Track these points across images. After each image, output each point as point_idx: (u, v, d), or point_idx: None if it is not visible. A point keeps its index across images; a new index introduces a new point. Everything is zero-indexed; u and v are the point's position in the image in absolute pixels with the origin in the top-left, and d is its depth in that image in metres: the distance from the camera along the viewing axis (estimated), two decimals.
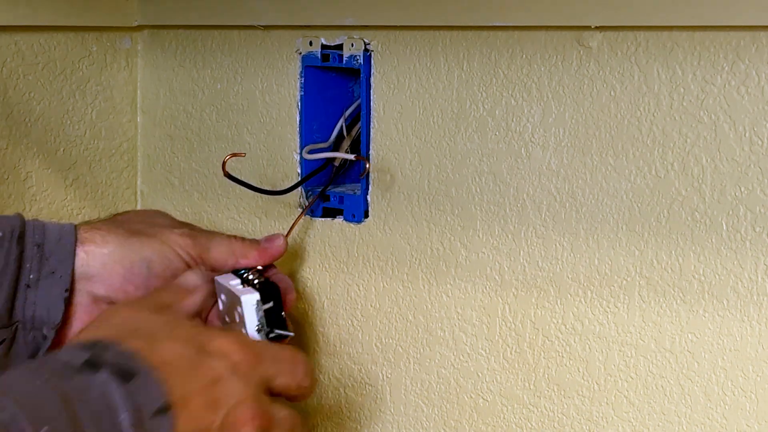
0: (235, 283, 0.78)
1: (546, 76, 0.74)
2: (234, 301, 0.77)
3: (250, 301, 0.76)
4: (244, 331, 0.77)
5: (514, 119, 0.76)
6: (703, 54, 0.67)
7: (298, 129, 0.89)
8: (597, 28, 0.71)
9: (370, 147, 0.85)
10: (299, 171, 0.90)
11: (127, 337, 0.64)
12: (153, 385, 0.61)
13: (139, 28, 0.99)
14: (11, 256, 0.71)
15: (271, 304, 0.77)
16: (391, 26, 0.82)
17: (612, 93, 0.71)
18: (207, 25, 0.94)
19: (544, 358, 0.77)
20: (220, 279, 0.77)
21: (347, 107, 0.88)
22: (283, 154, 0.91)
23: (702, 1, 0.64)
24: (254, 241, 0.81)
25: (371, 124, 0.85)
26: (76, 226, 0.76)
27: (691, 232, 0.69)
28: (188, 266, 0.78)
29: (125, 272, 0.75)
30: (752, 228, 0.66)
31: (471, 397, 0.82)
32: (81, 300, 0.75)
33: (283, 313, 0.78)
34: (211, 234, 0.81)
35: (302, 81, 0.88)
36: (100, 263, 0.74)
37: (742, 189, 0.66)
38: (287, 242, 0.81)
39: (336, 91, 0.89)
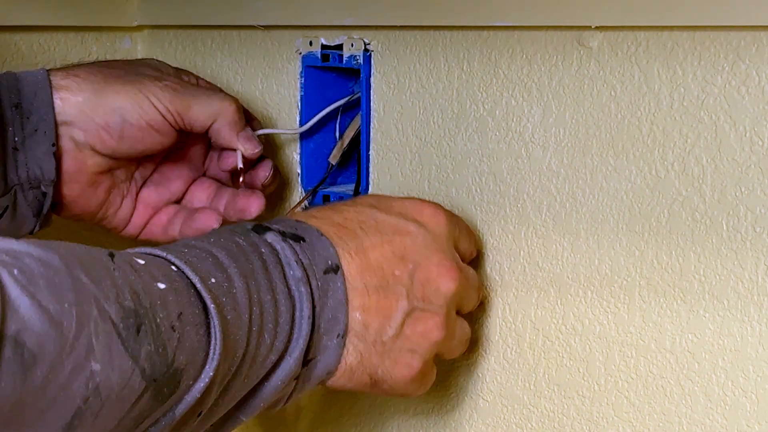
0: None
1: (546, 76, 0.74)
2: None
3: None
4: None
5: (515, 119, 0.76)
6: (704, 54, 0.67)
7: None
8: (597, 28, 0.71)
9: (370, 147, 0.85)
10: (299, 171, 0.90)
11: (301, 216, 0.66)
12: (323, 246, 0.63)
13: (139, 28, 0.99)
14: None
15: None
16: (391, 26, 0.82)
17: (612, 93, 0.71)
18: (207, 25, 0.94)
19: (544, 358, 0.77)
20: None
21: (340, 99, 0.88)
22: (283, 154, 0.91)
23: (702, 1, 0.64)
24: (238, 122, 0.79)
25: (371, 124, 0.85)
26: (49, 72, 0.75)
27: (692, 232, 0.69)
28: (165, 119, 0.76)
29: (99, 120, 0.74)
30: (752, 228, 0.66)
31: (471, 397, 0.82)
32: (65, 146, 0.75)
33: None
34: (197, 91, 0.78)
35: (302, 81, 0.88)
36: (76, 110, 0.74)
37: (743, 189, 0.66)
38: (261, 144, 0.81)
39: (336, 91, 0.89)
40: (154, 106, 0.75)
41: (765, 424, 0.67)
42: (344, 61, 0.85)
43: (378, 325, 0.65)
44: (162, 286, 0.53)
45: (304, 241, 0.63)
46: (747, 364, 0.68)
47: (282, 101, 0.90)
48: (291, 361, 0.61)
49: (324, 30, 0.85)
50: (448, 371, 0.83)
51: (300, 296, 0.61)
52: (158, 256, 0.57)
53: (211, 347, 0.55)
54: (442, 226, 0.70)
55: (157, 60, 0.83)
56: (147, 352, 0.51)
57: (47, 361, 0.46)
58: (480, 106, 0.78)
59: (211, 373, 0.54)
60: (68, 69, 0.76)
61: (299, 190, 0.89)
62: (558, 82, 0.74)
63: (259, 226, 0.64)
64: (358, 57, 0.84)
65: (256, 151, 0.80)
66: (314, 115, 0.87)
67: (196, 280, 0.55)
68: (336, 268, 0.63)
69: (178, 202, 0.85)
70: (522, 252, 0.78)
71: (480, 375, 0.81)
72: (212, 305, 0.55)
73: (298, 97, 0.89)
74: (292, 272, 0.61)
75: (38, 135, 0.73)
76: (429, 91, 0.81)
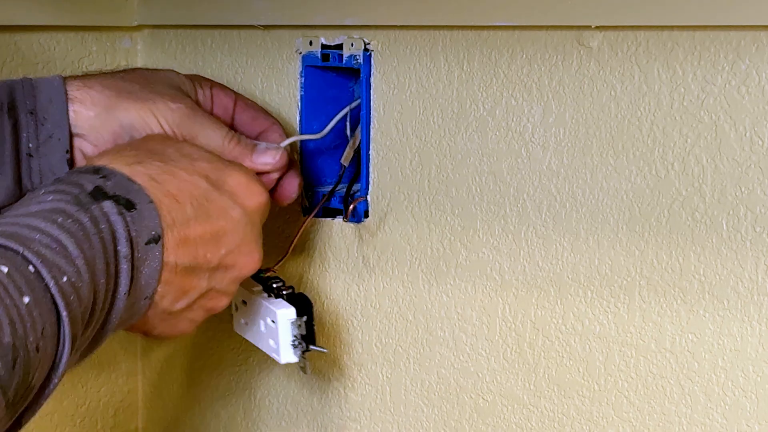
0: (258, 290, 0.77)
1: (546, 76, 0.74)
2: (261, 310, 0.76)
3: (286, 316, 0.76)
4: (273, 342, 0.77)
5: (514, 119, 0.76)
6: (704, 54, 0.66)
7: (298, 129, 0.89)
8: (597, 28, 0.71)
9: (370, 147, 0.85)
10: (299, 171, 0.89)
11: (143, 161, 0.67)
12: (150, 215, 0.65)
13: (139, 28, 0.99)
14: (5, 129, 0.71)
15: (305, 318, 0.77)
16: (391, 26, 0.82)
17: (612, 93, 0.71)
18: (207, 25, 0.94)
19: (544, 358, 0.77)
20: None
21: (347, 105, 0.88)
22: None
23: (702, 1, 0.64)
24: (248, 146, 0.78)
25: (371, 124, 0.85)
26: (65, 80, 0.75)
27: (692, 232, 0.69)
28: None
29: (108, 136, 0.74)
30: (752, 228, 0.66)
31: (471, 397, 0.82)
32: (75, 156, 0.75)
33: (313, 325, 0.78)
34: (207, 122, 0.77)
35: (302, 81, 0.88)
36: (88, 125, 0.74)
37: (743, 189, 0.66)
38: (286, 154, 0.79)
39: (336, 91, 0.89)
40: (162, 128, 0.75)
41: (765, 424, 0.67)
42: (344, 61, 0.84)
43: (172, 299, 0.68)
44: (26, 300, 0.56)
45: (134, 208, 0.64)
46: (747, 364, 0.68)
47: (282, 101, 0.90)
48: (107, 331, 0.64)
49: (324, 30, 0.85)
50: (449, 371, 0.83)
51: (124, 273, 0.63)
52: (15, 251, 0.58)
53: (59, 353, 0.58)
54: (262, 210, 0.73)
55: (176, 73, 0.81)
56: (16, 384, 0.54)
57: None
58: (480, 106, 0.78)
59: (56, 380, 0.58)
60: (84, 79, 0.76)
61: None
62: (558, 82, 0.74)
63: (98, 191, 0.64)
64: (358, 57, 0.84)
65: (272, 162, 0.78)
66: (316, 122, 0.87)
67: (51, 284, 0.58)
68: (157, 239, 0.65)
69: None
70: (522, 252, 0.77)
71: (480, 375, 0.81)
72: (65, 312, 0.58)
73: (298, 97, 0.89)
74: (121, 249, 0.63)
75: (53, 142, 0.73)
76: (429, 91, 0.81)
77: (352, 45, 0.84)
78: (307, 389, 0.93)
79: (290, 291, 0.78)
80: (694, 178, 0.68)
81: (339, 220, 0.88)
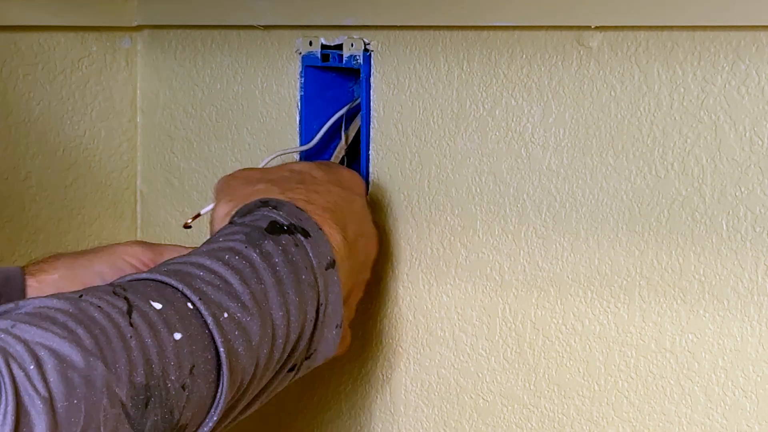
0: None
1: (546, 76, 0.74)
2: None
3: None
4: None
5: (514, 119, 0.76)
6: (703, 54, 0.67)
7: (298, 129, 0.89)
8: (597, 28, 0.71)
9: (370, 147, 0.85)
10: None
11: (286, 191, 0.70)
12: (323, 241, 0.67)
13: (139, 28, 0.99)
14: None
15: None
16: (391, 26, 0.82)
17: (612, 93, 0.71)
18: (207, 25, 0.94)
19: (544, 358, 0.77)
20: None
21: (342, 108, 0.88)
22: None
23: (702, 1, 0.64)
24: None
25: (371, 124, 0.85)
26: (22, 267, 0.75)
27: (692, 232, 0.69)
28: (143, 270, 0.77)
29: (80, 287, 0.74)
30: (752, 228, 0.66)
31: (471, 397, 0.82)
32: None
33: None
34: (162, 244, 0.81)
35: (302, 81, 0.88)
36: (54, 288, 0.74)
37: (742, 189, 0.66)
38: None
39: (336, 91, 0.89)
40: (130, 263, 0.76)
41: (765, 424, 0.67)
42: (344, 61, 0.84)
43: (353, 299, 0.72)
44: (178, 336, 0.56)
45: (309, 236, 0.65)
46: (747, 364, 0.68)
47: (282, 101, 0.90)
48: (291, 364, 0.64)
49: (324, 30, 0.85)
50: (449, 371, 0.83)
51: (310, 300, 0.63)
52: (175, 288, 0.58)
53: (219, 391, 0.58)
54: (364, 192, 0.77)
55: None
56: (153, 423, 0.54)
57: None
58: (480, 106, 0.78)
59: (216, 418, 0.58)
60: (35, 262, 0.77)
61: None
62: (558, 82, 0.74)
63: (274, 225, 0.65)
64: (358, 57, 0.84)
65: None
66: (316, 122, 0.88)
67: (210, 321, 0.58)
68: (333, 263, 0.66)
69: None
70: (522, 252, 0.77)
71: (480, 375, 0.81)
72: (223, 349, 0.57)
73: (298, 97, 0.89)
74: (304, 277, 0.63)
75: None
76: (429, 91, 0.81)
77: (352, 45, 0.84)
78: (307, 389, 0.93)
79: None
80: (694, 178, 0.68)
81: None
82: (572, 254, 0.75)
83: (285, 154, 0.88)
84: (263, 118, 0.92)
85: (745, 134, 0.66)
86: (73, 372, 0.50)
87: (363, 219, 0.74)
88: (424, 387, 0.85)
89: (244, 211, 0.68)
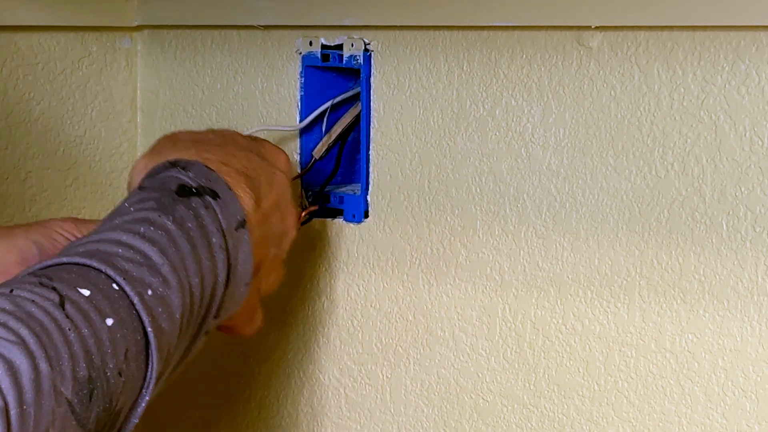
0: None
1: (546, 76, 0.74)
2: None
3: None
4: None
5: (514, 119, 0.76)
6: (704, 54, 0.67)
7: (298, 129, 0.89)
8: (597, 28, 0.71)
9: (370, 147, 0.85)
10: (299, 171, 0.89)
11: (201, 152, 0.68)
12: (233, 201, 0.66)
13: (139, 28, 0.99)
14: None
15: None
16: (391, 26, 0.82)
17: (612, 93, 0.71)
18: (207, 25, 0.94)
19: (544, 358, 0.77)
20: None
21: (334, 97, 0.88)
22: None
23: (702, 1, 0.64)
24: None
25: (371, 124, 0.85)
26: None
27: (692, 232, 0.69)
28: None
29: (17, 258, 0.73)
30: (752, 228, 0.66)
31: (471, 397, 0.82)
32: None
33: None
34: (93, 220, 0.77)
35: (302, 81, 0.88)
36: None
37: (743, 189, 0.66)
38: None
39: (336, 91, 0.89)
40: (65, 237, 0.74)
41: (765, 424, 0.67)
42: (344, 61, 0.84)
43: (264, 273, 0.70)
44: (110, 322, 0.55)
45: (218, 197, 0.65)
46: (747, 364, 0.68)
47: (282, 101, 0.90)
48: (208, 324, 0.64)
49: (324, 30, 0.85)
50: (449, 371, 0.83)
51: (221, 263, 0.63)
52: (98, 270, 0.58)
53: (149, 371, 0.57)
54: (289, 168, 0.75)
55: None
56: (96, 414, 0.53)
57: None
58: (480, 106, 0.78)
59: (148, 398, 0.57)
60: None
61: (301, 191, 0.89)
62: (558, 82, 0.74)
63: (183, 188, 0.65)
64: (358, 57, 0.84)
65: None
66: (313, 111, 0.87)
67: (136, 300, 0.57)
68: (243, 223, 0.66)
69: None
70: (522, 252, 0.77)
71: (480, 375, 0.81)
72: (150, 329, 0.57)
73: (298, 97, 0.89)
74: (215, 240, 0.63)
75: None
76: (429, 91, 0.81)
77: (352, 45, 0.84)
78: (307, 389, 0.93)
79: None
80: (694, 178, 0.68)
81: (339, 220, 0.88)
82: (572, 254, 0.75)
83: (275, 130, 0.88)
84: (263, 118, 0.92)
85: (745, 134, 0.66)
86: (21, 377, 0.50)
87: (281, 194, 0.72)
88: (424, 387, 0.85)
89: (154, 172, 0.67)
